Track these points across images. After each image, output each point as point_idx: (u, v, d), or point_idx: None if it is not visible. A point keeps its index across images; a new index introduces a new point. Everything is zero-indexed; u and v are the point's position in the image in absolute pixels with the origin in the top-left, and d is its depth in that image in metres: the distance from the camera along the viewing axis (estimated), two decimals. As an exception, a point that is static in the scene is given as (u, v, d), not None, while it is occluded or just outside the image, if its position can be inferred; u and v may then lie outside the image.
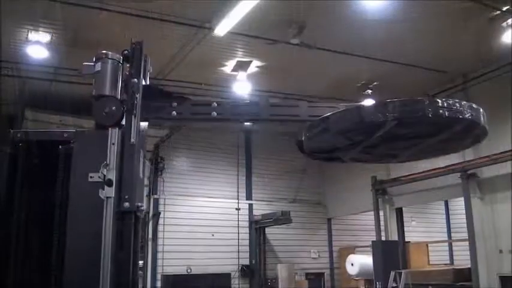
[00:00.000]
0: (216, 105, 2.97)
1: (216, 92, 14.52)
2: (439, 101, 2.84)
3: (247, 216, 19.46)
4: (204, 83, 13.99)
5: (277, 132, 20.44)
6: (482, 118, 2.95)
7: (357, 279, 19.16)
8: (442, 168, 14.81)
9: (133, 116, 2.54)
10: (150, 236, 17.45)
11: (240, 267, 18.54)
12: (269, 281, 18.66)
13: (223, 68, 13.46)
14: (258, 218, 18.90)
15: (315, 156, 3.62)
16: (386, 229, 17.19)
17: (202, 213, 18.12)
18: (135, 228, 2.49)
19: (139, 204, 2.54)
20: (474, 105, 2.95)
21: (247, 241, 19.19)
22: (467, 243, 14.71)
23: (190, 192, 18.41)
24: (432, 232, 22.17)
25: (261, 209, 19.52)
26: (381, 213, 17.63)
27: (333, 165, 21.19)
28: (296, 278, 18.49)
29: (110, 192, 2.35)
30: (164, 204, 17.80)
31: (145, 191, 17.43)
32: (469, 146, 3.55)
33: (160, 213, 17.53)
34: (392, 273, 12.98)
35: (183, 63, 12.65)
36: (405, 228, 18.14)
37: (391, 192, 17.64)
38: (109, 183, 2.33)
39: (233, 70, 13.43)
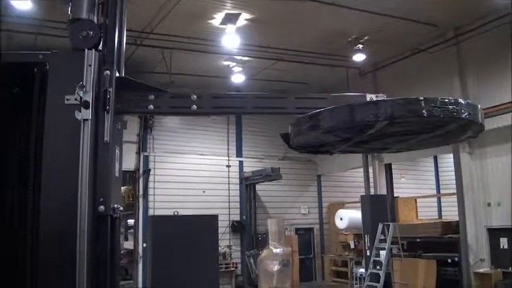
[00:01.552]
0: (195, 97, 2.73)
1: (205, 46, 14.30)
2: (435, 100, 2.63)
3: (237, 174, 19.52)
4: (191, 36, 13.72)
5: (269, 90, 20.35)
6: (479, 116, 2.79)
7: (345, 234, 19.44)
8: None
9: (105, 112, 2.37)
10: (140, 193, 17.49)
11: (230, 223, 18.72)
12: (259, 235, 18.91)
13: (211, 21, 13.18)
14: (248, 175, 18.97)
15: (302, 150, 3.47)
16: (376, 185, 17.33)
17: (193, 170, 18.13)
18: (112, 231, 2.36)
19: (116, 206, 2.40)
20: (471, 102, 2.79)
21: (238, 198, 19.31)
22: (455, 198, 14.89)
23: (180, 150, 18.37)
24: (421, 189, 22.43)
25: (251, 166, 19.57)
26: (370, 169, 17.74)
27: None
28: (286, 233, 18.70)
29: (86, 114, 2.26)
30: (154, 161, 17.76)
31: (135, 148, 17.38)
32: (464, 140, 3.39)
33: (150, 170, 17.50)
34: (380, 226, 13.12)
35: (171, 14, 12.36)
36: (394, 185, 18.33)
37: (381, 148, 17.68)
38: (85, 105, 2.24)
39: (222, 23, 13.16)
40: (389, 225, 13.06)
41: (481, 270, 13.50)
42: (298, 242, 19.70)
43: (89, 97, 2.27)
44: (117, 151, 2.48)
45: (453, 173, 15.09)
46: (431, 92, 15.52)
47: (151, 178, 17.59)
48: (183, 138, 18.53)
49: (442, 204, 22.35)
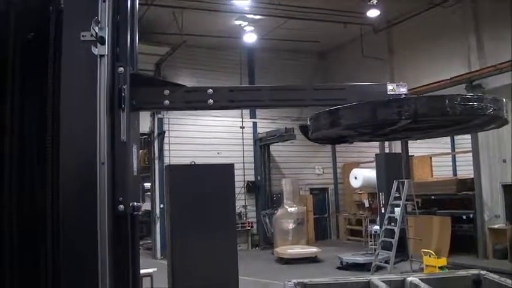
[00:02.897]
0: (211, 91, 2.65)
1: (216, 4, 14.14)
2: (459, 97, 2.57)
3: (251, 135, 19.57)
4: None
5: (281, 50, 20.17)
6: (504, 110, 2.73)
7: (360, 193, 19.54)
8: (448, 80, 14.66)
9: (121, 110, 2.31)
10: (156, 155, 17.67)
11: (245, 183, 18.89)
12: (274, 195, 19.09)
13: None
14: (262, 136, 19.02)
15: (321, 142, 3.43)
16: (390, 144, 17.29)
17: (207, 132, 18.21)
18: (132, 230, 2.35)
19: (136, 204, 2.37)
20: (496, 97, 2.68)
21: (253, 159, 19.42)
22: (470, 156, 14.83)
23: (194, 112, 18.38)
24: (436, 148, 22.32)
25: (265, 127, 19.59)
26: (385, 128, 17.67)
27: (338, 81, 21.06)
28: (301, 192, 18.86)
29: (102, 50, 2.26)
30: (168, 123, 17.85)
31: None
32: (486, 130, 3.35)
33: (164, 132, 17.61)
34: (395, 183, 13.15)
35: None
36: (409, 144, 18.24)
37: (396, 107, 17.56)
38: (101, 40, 2.24)
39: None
40: (404, 182, 13.08)
41: (496, 226, 13.55)
42: (313, 202, 19.91)
43: (104, 33, 2.26)
44: (134, 149, 2.45)
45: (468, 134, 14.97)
46: (446, 50, 15.27)
47: (166, 140, 17.72)
48: (197, 100, 18.50)
49: (456, 162, 22.24)
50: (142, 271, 8.90)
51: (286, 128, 17.88)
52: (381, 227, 13.54)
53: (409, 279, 3.69)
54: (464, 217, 14.68)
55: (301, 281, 3.77)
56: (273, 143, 18.96)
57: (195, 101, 2.71)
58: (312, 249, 15.63)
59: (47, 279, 2.19)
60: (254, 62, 20.21)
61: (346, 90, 2.86)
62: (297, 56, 20.75)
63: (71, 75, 2.28)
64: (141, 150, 17.85)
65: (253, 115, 19.86)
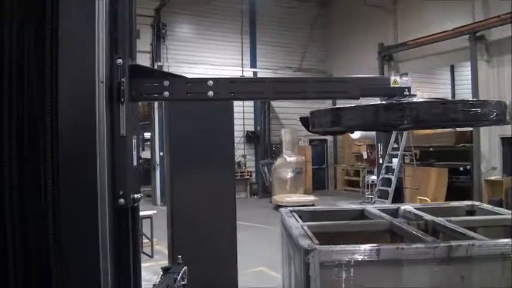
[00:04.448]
0: (212, 83, 2.60)
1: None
2: (462, 102, 2.58)
3: (252, 85, 19.43)
4: None
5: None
6: (507, 114, 2.67)
7: (359, 144, 19.64)
8: (451, 30, 14.51)
9: (120, 104, 2.26)
10: (156, 104, 17.63)
11: (245, 134, 18.96)
12: (273, 146, 19.21)
13: None
14: (262, 86, 18.90)
15: (322, 134, 3.42)
16: (391, 96, 17.22)
17: (206, 81, 18.09)
18: (132, 223, 2.34)
19: (136, 196, 2.35)
20: (500, 102, 2.65)
21: (252, 109, 19.40)
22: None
23: (194, 60, 18.24)
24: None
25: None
26: (386, 80, 17.59)
27: (338, 33, 20.82)
28: (300, 144, 18.95)
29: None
30: (168, 71, 17.70)
31: (148, 58, 17.32)
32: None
33: (164, 80, 17.50)
34: (393, 133, 13.20)
35: None
36: (410, 98, 18.16)
37: (397, 58, 17.46)
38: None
39: None
40: (402, 133, 13.12)
41: (492, 178, 13.69)
42: (312, 153, 20.03)
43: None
44: (134, 141, 2.41)
45: (469, 87, 14.94)
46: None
47: (165, 89, 17.63)
48: (197, 49, 18.35)
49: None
50: (142, 213, 9.06)
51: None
52: (378, 177, 13.68)
53: (403, 207, 3.79)
54: (461, 169, 14.83)
55: (297, 208, 3.87)
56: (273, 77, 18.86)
57: (195, 92, 2.67)
58: (309, 198, 15.86)
59: (48, 275, 2.21)
60: (255, 10, 19.85)
61: (348, 83, 2.84)
62: (298, 4, 20.41)
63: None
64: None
65: (253, 64, 19.72)
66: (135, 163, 2.45)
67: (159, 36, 17.45)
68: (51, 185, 2.15)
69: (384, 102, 2.71)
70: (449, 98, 23.09)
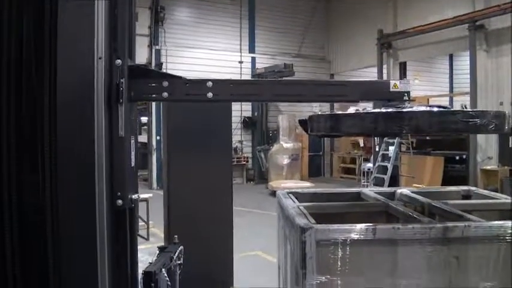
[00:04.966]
0: (211, 84, 2.60)
1: None
2: (461, 112, 2.53)
3: (250, 70, 19.40)
4: None
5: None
6: (506, 125, 2.64)
7: (356, 132, 19.62)
8: (451, 19, 14.47)
9: (119, 105, 2.24)
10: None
11: (242, 119, 18.93)
12: (270, 132, 19.20)
13: None
14: (260, 71, 18.83)
15: (321, 137, 3.40)
16: (388, 84, 17.20)
17: (204, 65, 17.96)
18: (130, 223, 2.34)
19: (134, 196, 2.35)
20: (499, 112, 2.63)
21: (250, 94, 19.31)
22: (468, 98, 14.80)
23: (192, 44, 18.15)
24: (435, 90, 22.31)
25: (264, 63, 19.37)
26: (384, 69, 17.59)
27: (338, 20, 20.73)
28: (297, 131, 18.92)
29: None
30: (166, 55, 17.61)
31: (146, 41, 17.20)
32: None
33: (162, 64, 17.42)
34: (391, 121, 13.21)
35: None
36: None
37: (396, 46, 17.41)
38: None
39: None
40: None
41: (488, 167, 13.73)
42: (309, 140, 20.01)
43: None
44: (132, 141, 2.41)
45: (467, 76, 14.90)
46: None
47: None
48: (196, 32, 18.25)
49: (454, 105, 22.29)
50: (138, 196, 9.05)
51: (285, 64, 17.72)
52: (374, 164, 13.72)
53: (400, 190, 3.80)
54: (457, 158, 14.86)
55: (293, 190, 3.88)
56: (272, 79, 18.81)
57: (194, 93, 2.67)
58: (305, 184, 15.89)
59: (47, 275, 2.20)
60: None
61: (347, 87, 2.85)
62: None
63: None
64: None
65: (252, 50, 19.63)
66: (133, 164, 2.47)
67: (157, 20, 17.31)
68: (50, 185, 2.17)
69: (383, 110, 2.68)
70: (449, 97, 23.13)
